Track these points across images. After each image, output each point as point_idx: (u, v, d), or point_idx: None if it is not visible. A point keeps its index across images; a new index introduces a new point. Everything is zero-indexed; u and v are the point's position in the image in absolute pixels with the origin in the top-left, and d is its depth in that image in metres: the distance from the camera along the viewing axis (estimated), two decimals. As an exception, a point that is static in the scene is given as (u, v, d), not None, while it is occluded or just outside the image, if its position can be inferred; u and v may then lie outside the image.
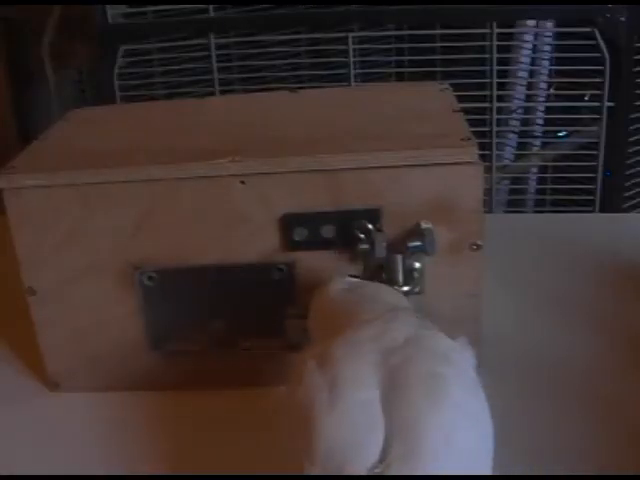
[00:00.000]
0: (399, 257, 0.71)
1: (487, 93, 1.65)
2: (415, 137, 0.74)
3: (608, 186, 1.66)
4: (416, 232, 0.71)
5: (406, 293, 0.72)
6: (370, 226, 0.71)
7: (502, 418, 0.72)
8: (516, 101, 1.92)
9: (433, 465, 0.51)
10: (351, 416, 0.53)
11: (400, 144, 0.72)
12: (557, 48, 1.85)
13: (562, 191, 1.75)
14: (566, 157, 1.81)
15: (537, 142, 1.95)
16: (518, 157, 1.98)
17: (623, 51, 1.56)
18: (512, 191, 1.96)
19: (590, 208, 1.67)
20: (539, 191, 1.92)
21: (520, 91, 1.92)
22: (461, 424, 0.53)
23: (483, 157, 1.66)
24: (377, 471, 0.51)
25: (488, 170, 1.68)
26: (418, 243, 0.70)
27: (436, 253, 0.70)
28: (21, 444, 0.74)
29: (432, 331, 0.60)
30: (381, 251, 0.70)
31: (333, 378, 0.55)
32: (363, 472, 0.51)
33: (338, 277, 0.69)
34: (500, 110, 1.78)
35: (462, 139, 0.72)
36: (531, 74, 1.92)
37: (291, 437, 0.56)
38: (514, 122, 1.93)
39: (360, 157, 0.71)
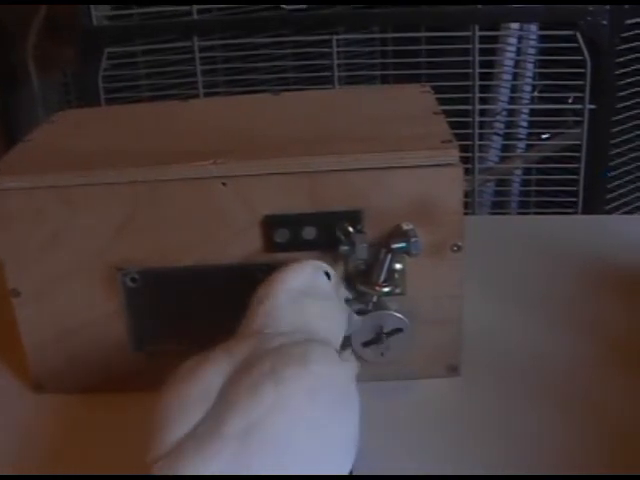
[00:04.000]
0: (380, 258, 0.71)
1: (470, 95, 1.66)
2: (396, 139, 0.74)
3: (590, 188, 1.67)
4: (399, 233, 0.71)
5: (387, 294, 0.72)
6: (351, 228, 0.71)
7: (483, 419, 0.73)
8: (500, 103, 1.93)
9: (224, 450, 0.52)
10: (184, 391, 0.56)
11: (381, 146, 0.72)
12: (540, 51, 1.86)
13: (546, 193, 1.76)
14: (550, 159, 1.82)
15: (521, 144, 1.96)
16: (502, 159, 1.99)
17: (605, 54, 1.57)
18: (496, 193, 1.97)
19: (573, 210, 1.68)
20: (523, 193, 1.93)
21: (504, 93, 1.93)
22: (273, 419, 0.54)
23: (466, 159, 1.66)
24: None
25: (470, 172, 1.69)
26: (403, 244, 0.70)
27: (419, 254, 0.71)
28: (4, 446, 0.74)
29: (315, 342, 0.60)
30: (362, 253, 0.70)
31: (192, 364, 0.59)
32: (167, 444, 0.53)
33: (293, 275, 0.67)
34: (484, 112, 1.79)
35: (443, 141, 0.72)
36: (515, 77, 1.93)
37: None
38: (498, 124, 1.94)
39: (341, 159, 0.71)
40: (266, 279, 0.66)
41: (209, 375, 0.57)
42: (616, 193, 1.75)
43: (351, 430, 0.58)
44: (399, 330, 0.73)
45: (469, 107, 1.66)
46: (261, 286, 0.66)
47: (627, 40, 1.62)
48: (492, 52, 1.84)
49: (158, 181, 0.72)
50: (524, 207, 1.91)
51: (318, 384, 0.57)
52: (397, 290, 0.73)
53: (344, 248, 0.71)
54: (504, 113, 1.95)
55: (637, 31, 1.63)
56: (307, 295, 0.65)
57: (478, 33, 1.61)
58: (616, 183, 1.75)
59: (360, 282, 0.72)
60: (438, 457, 0.68)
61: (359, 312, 0.72)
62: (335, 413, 0.57)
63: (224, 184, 0.71)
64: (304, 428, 0.55)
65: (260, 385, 0.55)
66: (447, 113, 0.81)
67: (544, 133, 1.88)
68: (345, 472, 0.57)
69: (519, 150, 1.97)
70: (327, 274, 0.68)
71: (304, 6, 1.65)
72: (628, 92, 1.67)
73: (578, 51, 1.57)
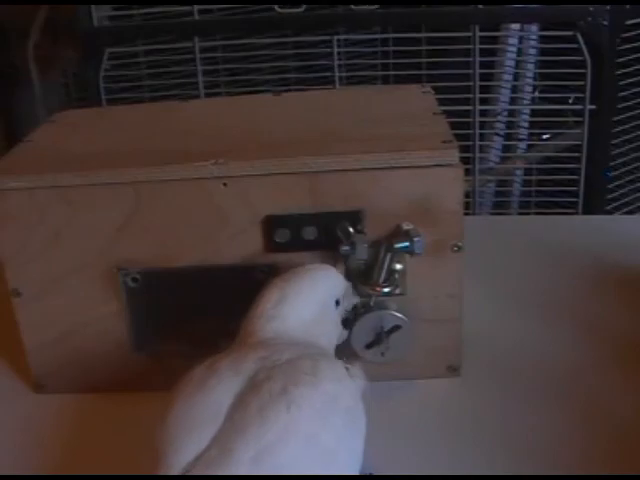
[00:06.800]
0: (380, 259, 0.72)
1: (471, 96, 1.66)
2: (397, 139, 0.74)
3: (591, 188, 1.67)
4: (400, 233, 0.71)
5: (387, 294, 0.72)
6: (351, 228, 0.71)
7: (483, 419, 0.73)
8: (501, 104, 1.93)
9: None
10: (193, 409, 0.55)
11: (382, 146, 0.72)
12: (541, 51, 1.86)
13: (546, 193, 1.76)
14: (550, 159, 1.82)
15: (522, 145, 1.96)
16: (503, 160, 1.99)
17: (605, 54, 1.57)
18: (497, 193, 1.97)
19: (574, 210, 1.68)
20: (523, 193, 1.93)
21: (505, 94, 1.93)
22: (284, 444, 0.53)
23: (467, 159, 1.66)
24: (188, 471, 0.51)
25: (471, 172, 1.70)
26: (406, 244, 0.70)
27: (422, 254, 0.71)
28: (4, 446, 0.74)
29: (323, 357, 0.59)
30: (362, 253, 0.70)
31: (200, 379, 0.57)
32: (177, 467, 0.52)
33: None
34: (485, 113, 1.79)
35: (443, 141, 0.73)
36: (515, 77, 1.93)
37: None
38: (499, 125, 1.94)
39: (342, 159, 0.71)
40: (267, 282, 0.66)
41: (218, 394, 0.56)
42: (616, 193, 1.75)
43: (356, 456, 0.57)
44: (398, 327, 0.73)
45: (470, 107, 1.67)
46: (264, 288, 0.66)
47: (627, 40, 1.63)
48: (493, 52, 1.84)
49: (158, 181, 0.72)
50: (525, 207, 1.91)
51: (328, 405, 0.56)
52: (397, 290, 0.73)
53: (344, 248, 0.71)
54: (504, 113, 1.96)
55: (637, 31, 1.63)
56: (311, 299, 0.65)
57: (479, 33, 1.61)
58: (616, 183, 1.75)
59: (360, 282, 0.72)
60: (438, 457, 0.68)
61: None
62: (344, 437, 0.56)
63: (225, 184, 0.71)
64: (315, 453, 0.54)
65: (271, 408, 0.53)
66: (447, 113, 0.81)
67: (545, 133, 1.88)
68: None
69: (520, 150, 1.97)
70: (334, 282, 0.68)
71: (299, 9, 1.65)
72: (628, 92, 1.68)
73: (578, 51, 1.57)
